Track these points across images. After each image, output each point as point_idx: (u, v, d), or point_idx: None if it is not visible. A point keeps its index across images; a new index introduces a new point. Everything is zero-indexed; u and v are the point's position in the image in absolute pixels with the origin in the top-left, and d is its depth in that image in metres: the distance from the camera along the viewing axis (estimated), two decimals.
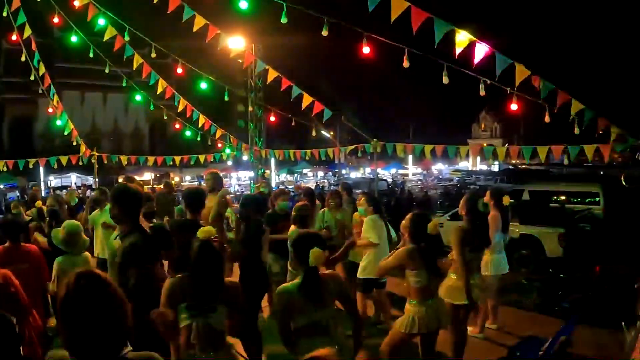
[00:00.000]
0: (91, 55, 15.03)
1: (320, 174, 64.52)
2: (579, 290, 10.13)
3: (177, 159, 20.08)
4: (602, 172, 36.07)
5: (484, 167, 70.58)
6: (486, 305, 8.07)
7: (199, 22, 11.85)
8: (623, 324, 6.52)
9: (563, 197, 19.36)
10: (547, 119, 9.54)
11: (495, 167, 63.86)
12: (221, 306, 3.80)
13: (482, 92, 9.61)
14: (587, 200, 18.87)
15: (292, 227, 7.83)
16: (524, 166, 54.87)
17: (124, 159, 20.31)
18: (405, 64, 9.26)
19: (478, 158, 69.23)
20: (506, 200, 8.03)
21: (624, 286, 10.00)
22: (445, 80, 9.41)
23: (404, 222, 5.54)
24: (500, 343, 7.71)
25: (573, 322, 5.66)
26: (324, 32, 9.37)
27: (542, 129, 12.41)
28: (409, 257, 5.32)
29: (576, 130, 9.69)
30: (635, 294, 7.42)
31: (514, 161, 58.29)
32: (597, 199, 18.79)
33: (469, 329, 7.06)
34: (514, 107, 9.58)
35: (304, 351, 3.92)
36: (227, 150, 20.34)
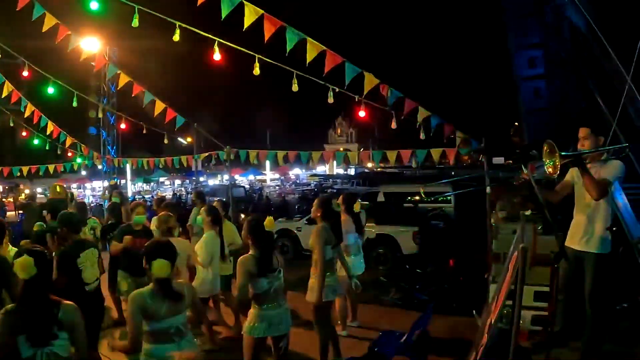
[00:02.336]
0: None
1: (178, 182, 63.43)
2: (435, 283, 10.56)
3: (25, 169, 19.09)
4: (452, 173, 37.75)
5: (341, 171, 71.98)
6: (346, 304, 8.22)
7: (49, 21, 11.24)
8: (474, 312, 6.86)
9: (416, 198, 20.11)
10: (393, 125, 9.94)
11: (352, 171, 65.35)
12: (62, 332, 3.63)
13: (331, 100, 9.87)
14: (439, 200, 19.73)
15: None
16: (378, 169, 56.50)
17: None
18: (256, 71, 9.31)
19: (335, 163, 70.51)
20: (357, 206, 8.26)
21: (476, 277, 10.54)
22: (295, 88, 9.55)
23: (243, 231, 5.50)
24: (362, 339, 7.86)
25: (429, 313, 5.86)
26: (175, 37, 9.21)
27: (394, 134, 12.84)
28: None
29: (422, 136, 10.15)
30: (485, 284, 7.83)
31: (369, 165, 59.99)
32: (448, 198, 19.71)
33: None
34: (362, 114, 9.90)
35: (153, 356, 4.03)
36: (79, 160, 19.54)
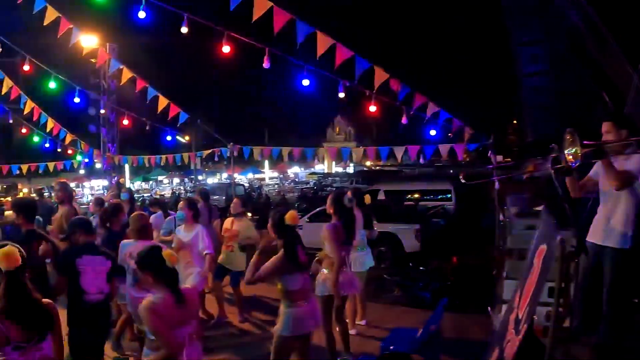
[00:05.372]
0: None
1: (177, 180, 63.28)
2: (438, 280, 10.48)
3: (25, 167, 18.94)
4: (451, 171, 37.77)
5: (340, 170, 71.98)
6: (355, 302, 8.13)
7: (51, 14, 11.08)
8: (489, 308, 6.77)
9: (417, 195, 20.11)
10: (404, 120, 9.75)
11: (350, 169, 65.35)
12: (48, 335, 3.56)
13: (342, 94, 9.69)
14: (439, 197, 19.75)
15: None
16: (377, 167, 56.50)
17: None
18: (266, 64, 9.13)
19: (333, 161, 70.53)
20: (367, 199, 8.19)
21: (479, 274, 10.45)
22: (305, 82, 9.38)
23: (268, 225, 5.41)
24: (370, 337, 7.81)
25: (441, 310, 5.77)
26: (184, 29, 9.07)
27: (393, 132, 12.74)
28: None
29: (432, 132, 10.00)
30: (493, 280, 7.74)
31: (368, 163, 60.01)
32: (449, 195, 19.72)
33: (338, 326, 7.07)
34: (372, 108, 9.70)
35: None
36: (79, 157, 19.39)
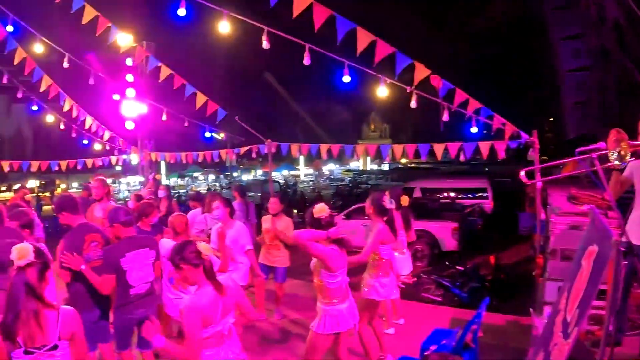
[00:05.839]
0: None
1: (212, 177, 63.68)
2: (476, 280, 10.38)
3: (64, 164, 19.13)
4: (486, 169, 37.47)
5: (374, 167, 71.88)
6: (392, 300, 8.06)
7: (89, 13, 11.16)
8: (531, 310, 6.65)
9: (453, 193, 19.99)
10: (445, 117, 9.56)
11: (385, 167, 65.22)
12: (62, 342, 3.39)
13: (383, 92, 9.55)
14: (475, 195, 19.60)
15: None
16: (412, 165, 56.36)
17: (4, 165, 19.12)
18: (306, 60, 9.03)
19: (368, 158, 70.49)
20: (404, 200, 8.09)
21: (517, 274, 10.31)
22: (347, 79, 9.27)
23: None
24: (408, 336, 7.73)
25: (482, 311, 5.67)
26: (223, 28, 9.02)
27: (430, 129, 12.53)
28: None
29: (473, 129, 9.82)
30: (533, 281, 7.60)
31: (403, 160, 59.79)
32: (485, 193, 19.56)
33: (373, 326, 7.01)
34: (413, 105, 9.54)
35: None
36: (117, 154, 19.57)
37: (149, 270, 5.47)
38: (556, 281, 5.94)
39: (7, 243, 3.66)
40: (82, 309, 4.30)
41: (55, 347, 3.33)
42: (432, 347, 5.27)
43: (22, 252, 3.32)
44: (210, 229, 8.57)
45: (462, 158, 10.88)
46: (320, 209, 5.20)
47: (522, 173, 4.80)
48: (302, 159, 61.25)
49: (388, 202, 6.58)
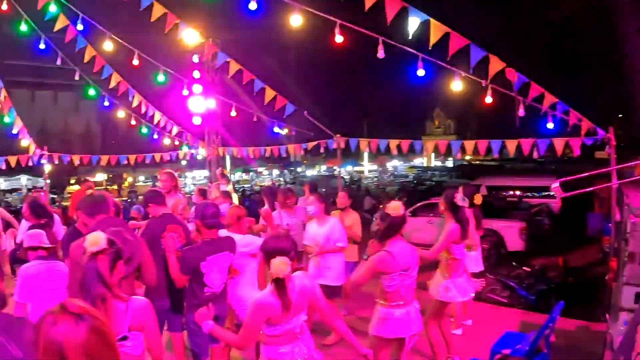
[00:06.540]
0: (42, 46, 14.33)
1: (276, 172, 64.11)
2: (544, 282, 10.15)
3: (132, 158, 19.52)
4: (553, 167, 36.66)
5: (439, 164, 71.30)
6: (462, 302, 7.91)
7: (157, 11, 11.34)
8: (607, 316, 6.45)
9: (519, 192, 19.61)
10: (521, 112, 9.30)
11: (450, 163, 64.57)
12: (132, 333, 3.40)
13: (457, 86, 9.36)
14: (543, 194, 19.15)
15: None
16: (477, 162, 55.59)
17: (75, 159, 19.59)
18: (380, 54, 8.90)
19: (432, 155, 69.89)
20: (478, 198, 7.92)
21: (588, 277, 10.03)
22: (421, 73, 9.11)
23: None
24: (476, 338, 7.62)
25: (556, 315, 5.52)
26: (296, 20, 8.97)
27: (496, 125, 12.26)
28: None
29: (549, 125, 9.55)
30: (606, 285, 7.37)
31: (468, 157, 59.08)
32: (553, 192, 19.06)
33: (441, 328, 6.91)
34: (488, 99, 9.32)
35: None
36: (185, 149, 19.87)
37: (225, 273, 5.45)
38: (634, 286, 5.71)
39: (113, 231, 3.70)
40: (154, 297, 4.36)
41: (124, 338, 3.34)
42: (505, 351, 5.16)
43: (94, 239, 3.34)
44: (287, 224, 8.61)
45: (535, 155, 10.60)
46: (395, 207, 5.11)
47: (555, 185, 4.61)
48: (366, 155, 61.08)
49: (460, 200, 6.45)
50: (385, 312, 5.02)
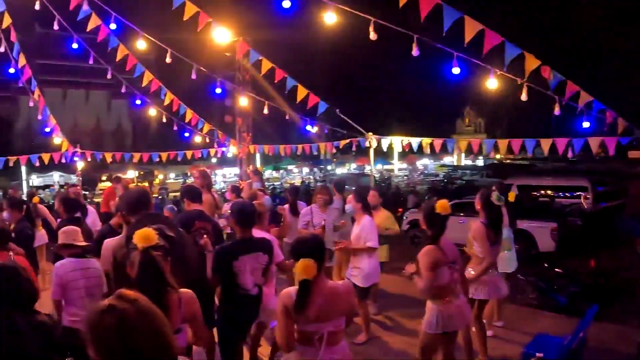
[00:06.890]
0: (74, 46, 14.54)
1: (306, 170, 64.00)
2: (576, 284, 10.03)
3: (164, 155, 19.69)
4: (584, 167, 36.22)
5: (469, 162, 70.71)
6: (492, 302, 7.86)
7: (190, 10, 11.40)
8: None
9: (552, 192, 19.39)
10: (557, 111, 9.19)
11: (480, 162, 63.99)
12: (184, 325, 3.48)
13: (493, 84, 9.28)
14: (575, 195, 18.91)
15: None
16: (508, 161, 55.03)
17: (107, 156, 19.80)
18: (415, 52, 8.86)
19: (463, 153, 69.38)
20: (511, 196, 7.88)
21: (621, 279, 9.88)
22: (456, 70, 9.05)
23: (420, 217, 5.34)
24: (507, 340, 7.57)
25: (590, 318, 5.47)
26: (330, 18, 8.95)
27: (525, 123, 12.13)
28: None
29: (585, 124, 9.43)
30: (637, 288, 7.27)
31: (498, 156, 58.48)
32: (586, 193, 18.86)
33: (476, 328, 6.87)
34: (524, 97, 9.22)
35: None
36: (215, 146, 19.99)
37: (260, 274, 5.28)
38: None
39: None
40: None
41: (179, 331, 3.38)
42: (539, 354, 5.11)
43: (145, 235, 3.33)
44: (321, 221, 8.60)
45: (569, 154, 10.49)
46: (443, 206, 5.11)
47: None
48: (396, 153, 60.75)
49: (496, 199, 6.44)
50: (440, 307, 5.06)
